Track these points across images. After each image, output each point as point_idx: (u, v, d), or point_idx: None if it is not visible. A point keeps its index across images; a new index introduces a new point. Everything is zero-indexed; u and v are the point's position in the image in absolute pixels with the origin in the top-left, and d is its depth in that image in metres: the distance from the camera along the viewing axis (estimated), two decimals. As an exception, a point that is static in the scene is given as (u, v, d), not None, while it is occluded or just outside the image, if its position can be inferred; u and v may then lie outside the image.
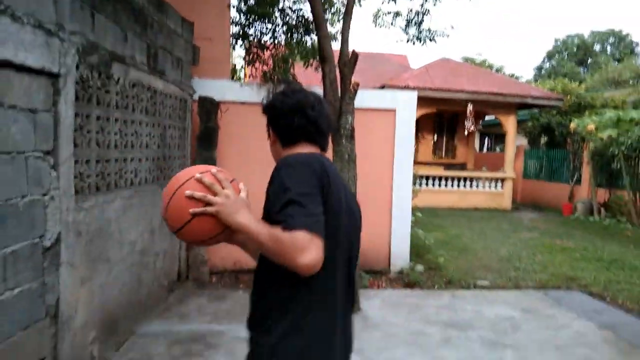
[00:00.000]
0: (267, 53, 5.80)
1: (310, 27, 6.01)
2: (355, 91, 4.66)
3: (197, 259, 5.16)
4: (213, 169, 1.44)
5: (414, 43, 6.79)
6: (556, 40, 42.32)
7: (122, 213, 3.42)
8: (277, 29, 5.81)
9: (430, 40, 6.68)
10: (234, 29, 5.83)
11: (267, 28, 5.83)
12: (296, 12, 5.84)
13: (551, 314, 4.89)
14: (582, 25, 67.19)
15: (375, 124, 5.84)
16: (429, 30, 6.66)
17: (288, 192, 1.31)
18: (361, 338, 4.06)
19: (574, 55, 41.08)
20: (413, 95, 6.07)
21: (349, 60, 4.75)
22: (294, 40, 5.95)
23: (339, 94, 4.69)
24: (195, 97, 5.02)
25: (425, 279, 6.00)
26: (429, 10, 6.59)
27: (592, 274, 6.60)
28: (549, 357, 3.87)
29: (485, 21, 70.46)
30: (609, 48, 41.62)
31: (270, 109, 1.57)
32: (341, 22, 6.26)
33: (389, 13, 6.99)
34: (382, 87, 12.20)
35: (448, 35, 6.58)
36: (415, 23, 6.68)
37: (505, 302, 5.25)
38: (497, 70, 31.81)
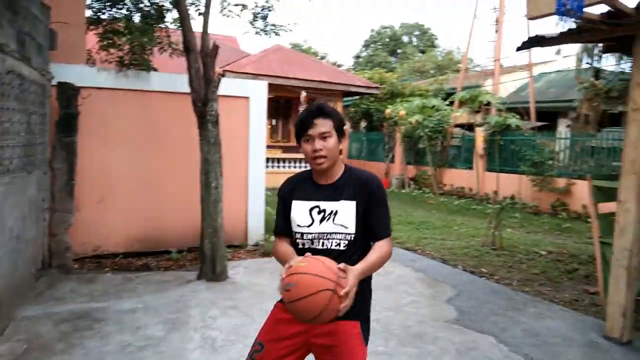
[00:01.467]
0: (123, 39, 5.89)
1: (164, 14, 6.25)
2: (219, 80, 5.16)
3: (60, 246, 5.17)
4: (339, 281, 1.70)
5: (260, 35, 7.37)
6: (372, 31, 46.63)
7: (2, 199, 3.48)
8: (131, 15, 5.93)
9: (276, 34, 7.34)
10: (89, 13, 5.77)
11: (121, 14, 5.91)
12: (151, 0, 6.03)
13: (380, 264, 6.14)
14: (394, 18, 74.94)
15: (232, 110, 6.40)
16: (274, 25, 7.28)
17: (387, 208, 2.03)
18: (235, 298, 4.71)
19: (387, 45, 45.96)
20: (264, 85, 6.77)
21: (211, 51, 5.21)
22: (149, 27, 6.11)
23: (203, 82, 5.14)
24: (54, 82, 4.98)
25: (277, 248, 6.83)
26: (272, 6, 7.23)
27: (407, 234, 8.18)
28: (380, 294, 5.00)
29: (310, 8, 74.00)
30: (414, 40, 47.42)
31: (339, 117, 2.02)
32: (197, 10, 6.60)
33: (236, 5, 7.39)
34: (223, 72, 12.62)
35: (291, 30, 7.33)
36: (262, 17, 7.24)
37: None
38: (322, 58, 34.17)
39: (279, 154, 14.99)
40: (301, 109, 14.03)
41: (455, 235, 8.26)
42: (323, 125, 1.94)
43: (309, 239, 1.98)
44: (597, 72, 11.75)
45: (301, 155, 14.41)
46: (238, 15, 7.35)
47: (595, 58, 12.05)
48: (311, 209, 2.00)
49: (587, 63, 9.96)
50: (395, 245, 7.34)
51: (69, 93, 4.93)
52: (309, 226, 1.99)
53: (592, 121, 12.56)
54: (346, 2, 74.14)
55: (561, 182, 10.80)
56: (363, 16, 69.99)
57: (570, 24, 3.72)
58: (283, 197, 2.10)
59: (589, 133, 11.60)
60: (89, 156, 5.60)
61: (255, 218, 6.95)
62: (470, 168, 13.53)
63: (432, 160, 14.34)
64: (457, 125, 14.82)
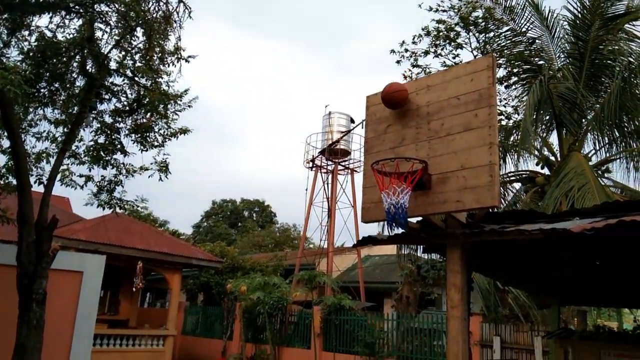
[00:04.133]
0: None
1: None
2: (54, 256, 4.76)
3: None
4: None
5: (104, 209, 7.16)
6: (214, 203, 47.89)
7: None
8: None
9: (121, 208, 7.20)
10: None
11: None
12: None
13: None
14: (235, 193, 78.53)
15: (61, 286, 5.78)
16: (120, 199, 7.18)
17: None
18: None
19: (228, 217, 47.19)
20: (101, 260, 6.37)
21: (49, 225, 4.88)
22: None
23: (35, 257, 4.68)
24: None
25: None
26: (122, 181, 7.21)
27: None
28: None
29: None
30: (254, 215, 49.62)
31: None
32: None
33: (80, 176, 7.20)
34: (59, 247, 11.52)
35: (139, 207, 7.25)
36: (107, 191, 7.12)
37: None
38: (161, 226, 33.49)
39: (104, 329, 13.36)
40: (136, 280, 13.17)
41: None
42: None
43: None
44: (419, 270, 13.48)
45: (128, 332, 13.01)
46: (82, 186, 7.15)
47: (413, 248, 13.93)
48: None
49: (405, 251, 11.50)
50: None
51: None
52: None
53: (412, 303, 13.92)
54: (189, 173, 76.43)
55: (392, 363, 11.30)
56: (205, 187, 72.23)
57: (396, 229, 4.41)
58: None
59: (410, 314, 12.72)
60: None
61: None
62: (309, 347, 13.52)
63: (271, 338, 14.08)
64: (295, 302, 15.10)
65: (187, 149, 75.61)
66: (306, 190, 18.24)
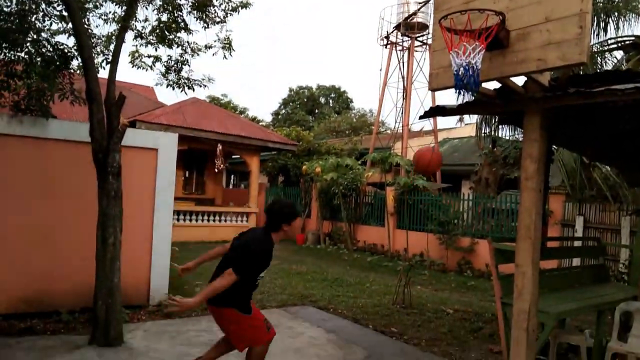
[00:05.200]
0: (19, 82, 5.47)
1: (70, 62, 5.93)
2: (124, 131, 4.91)
3: None
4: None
5: (173, 89, 7.22)
6: (290, 90, 47.99)
7: None
8: (32, 58, 5.55)
9: (189, 88, 7.23)
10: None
11: (19, 56, 5.52)
12: (55, 45, 5.70)
13: (290, 325, 5.93)
14: (311, 79, 77.92)
15: (138, 162, 6.09)
16: (188, 79, 7.18)
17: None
18: (130, 367, 4.27)
19: (305, 104, 47.42)
20: (174, 137, 6.55)
21: (117, 102, 4.98)
22: (51, 72, 5.75)
23: (106, 132, 4.86)
24: None
25: (183, 309, 6.41)
26: (188, 60, 7.15)
27: (320, 291, 8.07)
28: (290, 358, 4.79)
29: (231, 64, 75.03)
30: (331, 101, 49.41)
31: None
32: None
33: (148, 56, 7.23)
34: (134, 121, 12.17)
35: (206, 86, 7.25)
36: (175, 70, 7.13)
37: (255, 321, 6.08)
38: (241, 113, 34.41)
39: (192, 206, 14.50)
40: (217, 161, 13.82)
41: (368, 292, 8.27)
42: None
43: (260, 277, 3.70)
44: (495, 141, 12.80)
45: (215, 209, 13.96)
46: (150, 67, 7.18)
47: (494, 127, 13.17)
48: None
49: (485, 131, 10.86)
50: (308, 303, 7.19)
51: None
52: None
53: (492, 184, 13.53)
54: (267, 61, 76.16)
55: (466, 242, 11.35)
56: (283, 75, 72.12)
57: (468, 97, 4.00)
58: (270, 256, 3.66)
59: (489, 195, 12.42)
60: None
61: (159, 276, 6.51)
62: (383, 225, 13.88)
63: (346, 217, 14.58)
64: (369, 184, 15.29)
65: (258, 37, 74.62)
66: (380, 70, 17.50)
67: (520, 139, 12.46)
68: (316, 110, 47.26)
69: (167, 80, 7.20)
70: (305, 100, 47.65)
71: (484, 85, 3.85)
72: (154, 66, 7.29)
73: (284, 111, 46.89)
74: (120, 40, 5.33)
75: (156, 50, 7.06)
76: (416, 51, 17.37)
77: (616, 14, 9.40)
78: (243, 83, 71.96)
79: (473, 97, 4.10)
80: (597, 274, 5.84)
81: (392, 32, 17.24)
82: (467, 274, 10.86)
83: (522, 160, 3.98)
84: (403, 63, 17.23)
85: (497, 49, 3.67)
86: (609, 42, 9.94)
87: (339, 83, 58.53)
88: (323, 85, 48.31)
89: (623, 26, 9.32)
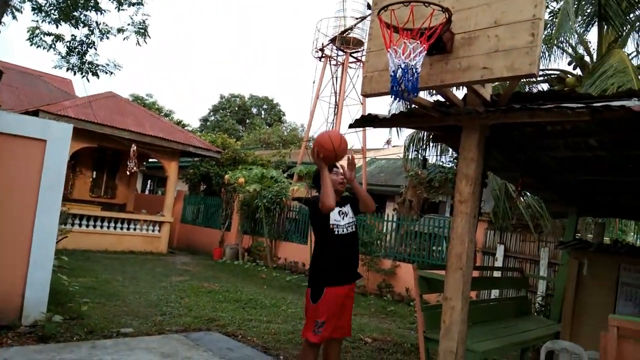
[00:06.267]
0: None
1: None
2: (-7, 115, 4.01)
3: None
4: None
5: (74, 73, 6.35)
6: (221, 97, 46.70)
7: None
8: None
9: (93, 74, 6.40)
10: None
11: None
12: None
13: (189, 355, 5.15)
14: (244, 88, 76.73)
15: (19, 153, 5.12)
16: (92, 63, 6.36)
17: None
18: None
19: (236, 113, 46.25)
20: (68, 129, 5.61)
21: (-11, 78, 4.08)
22: None
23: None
24: None
25: (64, 330, 5.43)
26: (94, 43, 6.33)
27: (230, 314, 7.31)
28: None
29: (159, 63, 72.32)
30: (263, 112, 48.58)
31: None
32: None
33: (49, 34, 6.36)
34: (36, 111, 10.84)
35: (112, 73, 6.42)
36: (78, 53, 6.29)
37: (147, 348, 5.23)
38: (167, 115, 32.76)
39: (97, 211, 13.15)
40: (130, 163, 12.67)
41: (283, 316, 7.63)
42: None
43: (341, 228, 3.77)
44: (425, 161, 12.80)
45: (123, 215, 12.72)
46: (51, 46, 6.30)
47: (420, 149, 13.16)
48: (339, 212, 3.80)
49: (414, 151, 10.74)
50: (214, 328, 6.43)
51: None
52: (339, 220, 3.77)
53: (415, 207, 13.45)
54: (199, 63, 74.20)
55: (387, 264, 11.06)
56: (213, 80, 70.40)
57: (403, 105, 3.58)
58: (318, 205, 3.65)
59: (412, 218, 12.29)
60: None
61: (36, 290, 5.48)
62: (305, 243, 13.34)
63: (268, 232, 13.90)
64: (295, 199, 14.73)
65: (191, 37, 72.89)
66: (314, 82, 17.12)
67: (446, 164, 12.54)
68: (247, 120, 46.26)
69: (68, 63, 6.33)
70: (237, 108, 46.55)
71: (421, 95, 3.44)
72: (55, 46, 6.40)
73: (213, 118, 45.48)
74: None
75: (57, 27, 6.19)
76: (350, 67, 17.21)
77: (544, 47, 9.62)
78: (172, 85, 69.49)
79: (408, 107, 3.68)
80: (519, 306, 5.63)
81: (327, 45, 16.99)
82: (387, 297, 10.54)
83: (457, 181, 3.58)
84: (336, 78, 17.00)
85: (439, 54, 3.26)
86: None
87: (273, 95, 57.94)
88: (256, 95, 47.52)
89: (550, 59, 9.56)
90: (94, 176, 15.35)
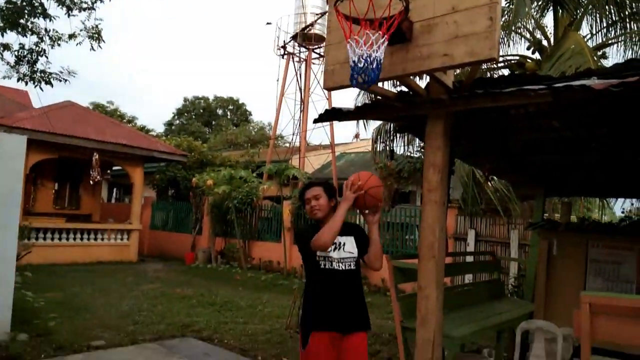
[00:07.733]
0: None
1: None
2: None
3: None
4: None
5: (26, 83, 6.08)
6: (185, 100, 45.92)
7: None
8: None
9: (46, 82, 6.15)
10: None
11: None
12: None
13: (165, 364, 5.03)
14: (208, 89, 75.60)
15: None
16: (44, 72, 6.12)
17: None
18: None
19: (201, 115, 45.58)
20: (21, 140, 5.36)
21: None
22: None
23: None
24: None
25: (31, 348, 5.22)
26: (45, 51, 6.08)
27: (205, 318, 7.18)
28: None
29: (121, 70, 70.67)
30: (229, 113, 48.01)
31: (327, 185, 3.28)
32: None
33: None
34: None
35: (67, 81, 6.18)
36: (28, 62, 6.04)
37: (120, 360, 5.09)
38: (129, 122, 32.05)
39: (61, 223, 12.72)
40: (92, 173, 12.29)
41: (260, 317, 7.55)
42: (314, 190, 3.17)
43: (329, 261, 3.06)
44: (392, 153, 12.88)
45: (89, 226, 12.38)
46: (-1, 56, 6.03)
47: (388, 140, 13.24)
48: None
49: (382, 143, 10.79)
50: (189, 334, 6.30)
51: None
52: (328, 252, 3.03)
53: (386, 198, 13.51)
54: (160, 67, 72.81)
55: (362, 256, 11.06)
56: (177, 84, 69.18)
57: (366, 97, 3.54)
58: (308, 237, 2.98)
59: (384, 209, 12.35)
60: None
61: (-3, 309, 5.25)
62: (279, 241, 13.25)
63: (240, 233, 13.74)
64: (266, 198, 14.60)
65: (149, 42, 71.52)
66: (277, 80, 16.99)
67: (414, 154, 12.65)
68: (213, 122, 45.65)
69: (17, 73, 6.06)
70: (202, 111, 45.91)
71: (384, 86, 3.40)
72: (2, 55, 6.12)
73: (178, 122, 44.70)
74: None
75: (2, 36, 5.92)
76: (313, 63, 17.16)
77: (503, 33, 9.77)
78: (134, 91, 67.99)
79: (372, 99, 3.64)
80: (492, 289, 5.69)
81: (289, 42, 16.87)
82: (363, 289, 10.55)
83: (425, 170, 3.56)
84: (300, 74, 16.91)
85: (399, 43, 3.23)
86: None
87: (238, 95, 57.33)
88: (220, 96, 46.93)
89: (508, 45, 9.72)
90: (57, 187, 14.84)
